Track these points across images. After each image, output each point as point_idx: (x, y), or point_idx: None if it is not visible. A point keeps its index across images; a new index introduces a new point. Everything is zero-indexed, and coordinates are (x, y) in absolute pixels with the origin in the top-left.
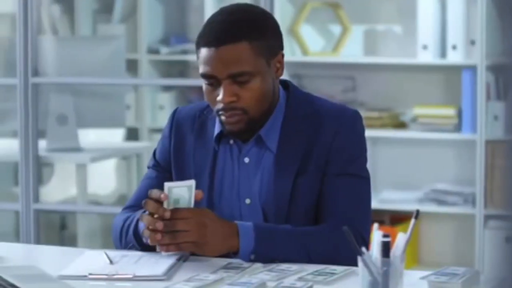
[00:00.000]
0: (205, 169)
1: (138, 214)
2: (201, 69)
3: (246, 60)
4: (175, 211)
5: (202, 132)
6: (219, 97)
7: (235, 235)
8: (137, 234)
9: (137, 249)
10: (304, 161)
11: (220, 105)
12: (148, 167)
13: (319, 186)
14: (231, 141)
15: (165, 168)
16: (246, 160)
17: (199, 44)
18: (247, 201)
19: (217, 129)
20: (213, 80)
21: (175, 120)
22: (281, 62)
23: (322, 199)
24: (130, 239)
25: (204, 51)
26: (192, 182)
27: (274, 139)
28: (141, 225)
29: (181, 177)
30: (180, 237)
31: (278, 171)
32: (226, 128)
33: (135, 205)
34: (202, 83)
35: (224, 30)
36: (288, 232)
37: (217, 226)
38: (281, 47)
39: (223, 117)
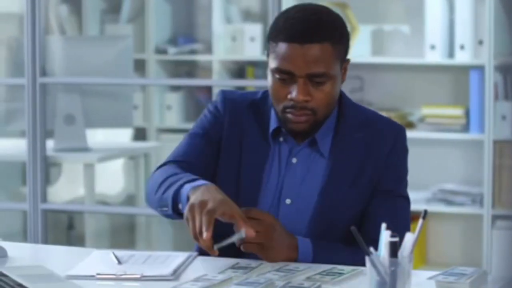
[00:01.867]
0: (254, 162)
1: (185, 177)
2: (277, 63)
3: (327, 61)
4: (248, 210)
5: (256, 123)
6: (293, 95)
7: (295, 248)
8: (175, 199)
9: (167, 213)
10: (360, 170)
11: (290, 103)
12: (189, 133)
13: (367, 199)
14: (281, 139)
15: (214, 140)
16: (294, 160)
17: (277, 38)
18: (288, 201)
19: (273, 125)
20: (287, 76)
21: (228, 100)
22: (346, 69)
23: (369, 217)
24: (167, 198)
25: (283, 46)
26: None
27: (326, 144)
28: (184, 194)
29: (227, 158)
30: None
31: (331, 178)
32: (291, 127)
33: (183, 161)
34: (270, 76)
35: (311, 28)
36: (343, 250)
37: (283, 233)
38: (348, 53)
39: (290, 115)
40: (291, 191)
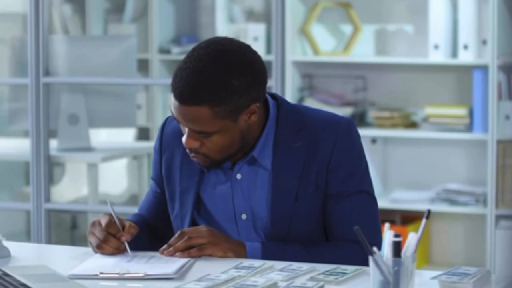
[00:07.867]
0: (191, 187)
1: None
2: (171, 108)
3: (205, 122)
4: (180, 232)
5: None
6: (183, 139)
7: (243, 246)
8: None
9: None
10: (303, 181)
11: None
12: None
13: (320, 206)
14: None
15: (157, 182)
16: (238, 176)
17: (171, 86)
18: (243, 216)
19: None
20: None
21: (164, 134)
22: (254, 111)
23: (328, 222)
24: None
25: (172, 96)
26: None
27: (268, 156)
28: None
29: (172, 192)
30: (193, 240)
31: (276, 193)
32: None
33: (139, 213)
34: None
35: (187, 91)
36: (297, 249)
37: (225, 235)
38: (254, 99)
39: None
40: (244, 206)
